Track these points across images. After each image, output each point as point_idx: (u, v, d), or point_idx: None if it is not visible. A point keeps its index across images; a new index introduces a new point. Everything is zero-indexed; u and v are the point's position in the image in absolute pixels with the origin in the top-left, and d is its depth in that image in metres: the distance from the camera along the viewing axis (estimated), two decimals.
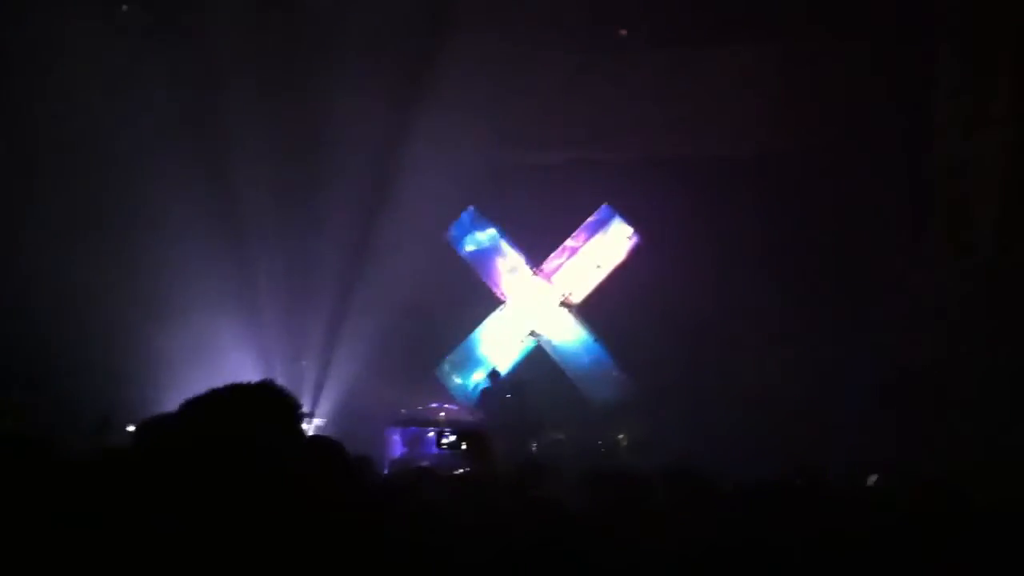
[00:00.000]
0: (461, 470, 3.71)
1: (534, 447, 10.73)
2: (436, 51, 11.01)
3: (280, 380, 1.91)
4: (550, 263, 13.16)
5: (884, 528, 3.10)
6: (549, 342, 13.08)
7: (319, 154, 11.62)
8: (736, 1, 11.08)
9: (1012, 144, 9.32)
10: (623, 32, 11.48)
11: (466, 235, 13.29)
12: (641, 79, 11.71)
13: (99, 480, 2.01)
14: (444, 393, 12.75)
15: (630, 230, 12.88)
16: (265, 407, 1.78)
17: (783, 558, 2.68)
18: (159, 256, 10.80)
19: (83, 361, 9.72)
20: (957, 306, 9.50)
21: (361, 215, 11.85)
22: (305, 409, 11.42)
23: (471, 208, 13.18)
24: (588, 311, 13.04)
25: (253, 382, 1.83)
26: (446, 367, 13.04)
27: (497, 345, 13.07)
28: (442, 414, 11.84)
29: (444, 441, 8.58)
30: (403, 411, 11.74)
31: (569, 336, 13.05)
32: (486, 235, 13.24)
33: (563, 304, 13.09)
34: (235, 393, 1.79)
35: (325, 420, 11.60)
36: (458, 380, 13.02)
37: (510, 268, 13.24)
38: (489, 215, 13.14)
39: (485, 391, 11.87)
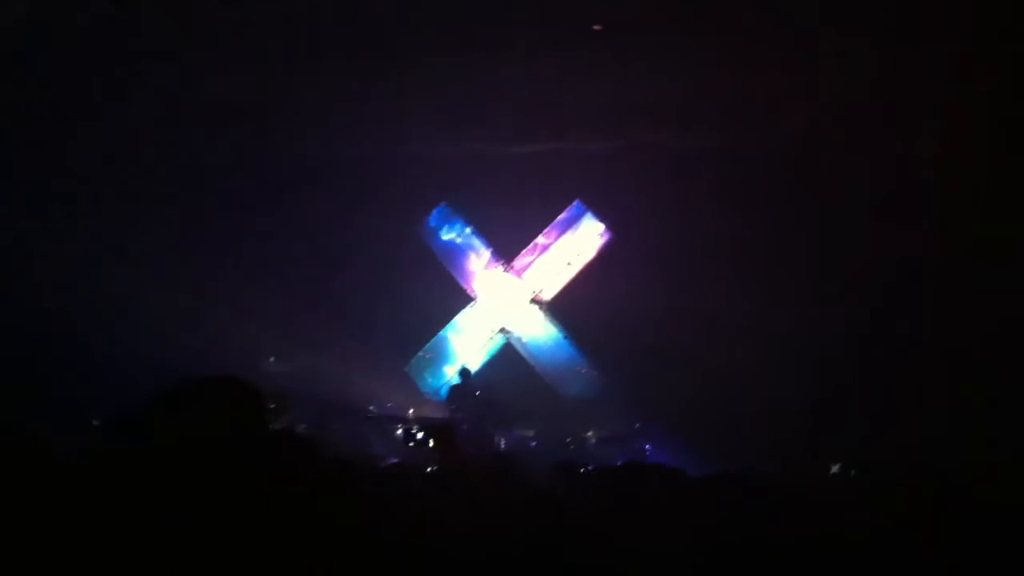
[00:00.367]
0: (430, 468, 3.69)
1: (503, 443, 10.73)
2: (408, 41, 10.94)
3: (248, 376, 1.88)
4: (521, 260, 13.15)
5: (879, 527, 3.10)
6: (519, 339, 13.08)
7: (290, 147, 11.53)
8: None
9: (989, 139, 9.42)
10: (597, 28, 11.45)
11: (437, 231, 13.24)
12: (616, 69, 11.68)
13: (91, 482, 1.94)
14: (414, 389, 12.71)
15: (601, 227, 12.91)
16: (232, 402, 1.76)
17: (765, 555, 2.68)
18: (127, 246, 10.66)
19: (42, 350, 9.55)
20: (934, 296, 9.59)
21: (331, 210, 11.79)
22: (273, 406, 11.38)
23: (442, 205, 13.14)
24: (559, 308, 13.06)
25: (218, 376, 1.80)
26: (416, 364, 12.99)
27: (467, 342, 13.05)
28: (410, 412, 11.81)
29: (412, 439, 8.55)
30: (372, 409, 11.69)
31: (539, 333, 13.05)
32: (457, 232, 13.21)
33: (534, 301, 13.09)
34: (201, 388, 1.76)
35: (294, 417, 11.51)
36: (428, 377, 12.97)
37: (481, 265, 13.22)
38: (460, 210, 13.10)
39: (455, 388, 11.86)
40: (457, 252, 13.24)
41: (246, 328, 11.32)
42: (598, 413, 12.02)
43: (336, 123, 11.38)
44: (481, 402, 11.27)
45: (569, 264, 13.00)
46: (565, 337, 12.88)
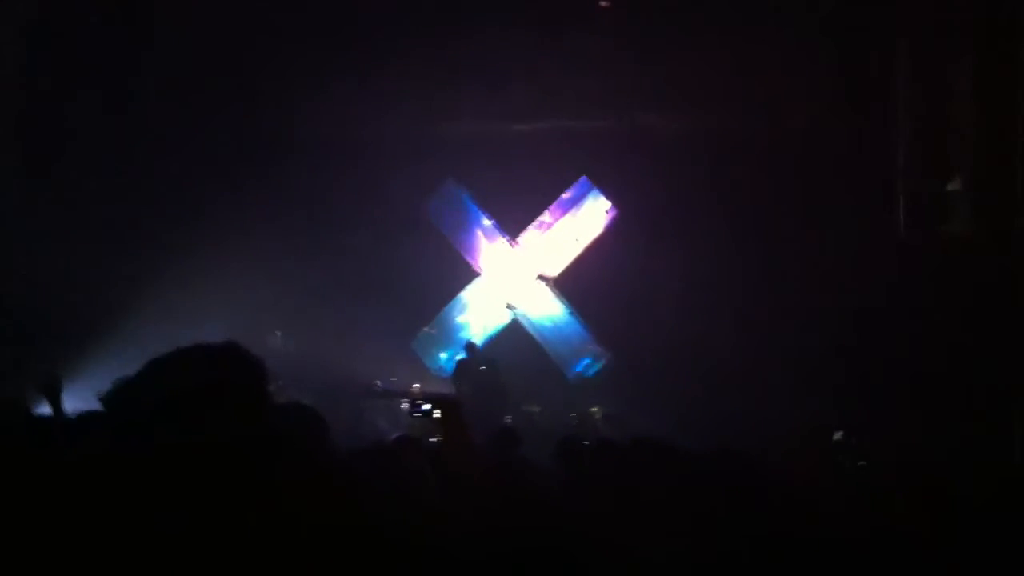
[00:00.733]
0: (435, 439, 3.70)
1: (508, 420, 10.75)
2: (414, 18, 10.89)
3: (253, 351, 1.85)
4: (527, 236, 13.13)
5: (879, 526, 3.10)
6: (525, 315, 13.09)
7: (293, 124, 11.50)
8: None
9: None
10: (604, 3, 11.37)
11: (443, 207, 13.22)
12: (621, 47, 11.61)
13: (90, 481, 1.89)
14: (419, 366, 12.74)
15: (608, 204, 12.88)
16: (232, 368, 1.73)
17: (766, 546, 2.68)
18: (125, 221, 10.64)
19: (36, 323, 9.56)
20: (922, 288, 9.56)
21: (337, 186, 11.76)
22: (275, 378, 11.42)
23: (448, 180, 13.10)
24: (565, 284, 13.05)
25: (218, 343, 1.77)
26: (422, 340, 13.01)
27: (473, 318, 13.06)
28: (415, 386, 11.83)
29: (418, 410, 8.53)
30: (377, 383, 11.71)
31: (545, 309, 13.06)
32: (463, 207, 13.18)
33: (540, 277, 13.08)
34: (201, 353, 1.73)
35: (298, 391, 11.54)
36: (434, 353, 13.00)
37: (487, 240, 13.20)
38: (466, 186, 13.07)
39: (460, 364, 11.88)
40: (463, 228, 13.22)
41: (250, 305, 11.34)
42: (603, 389, 12.04)
43: (341, 100, 11.32)
44: (486, 377, 11.29)
45: (576, 241, 12.98)
46: (571, 313, 12.89)
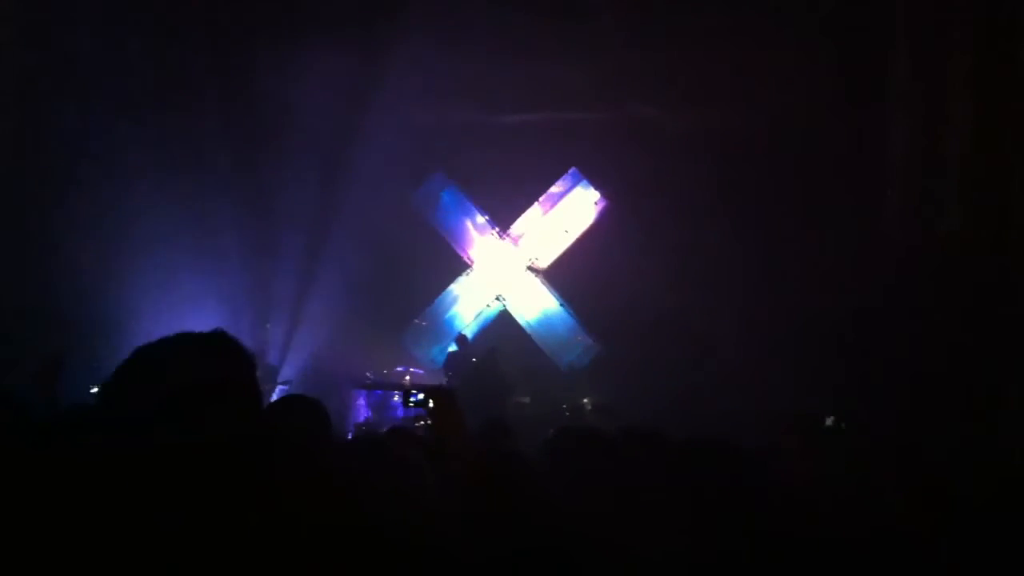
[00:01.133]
0: (427, 424, 3.71)
1: (499, 410, 10.77)
2: (401, 8, 10.85)
3: (244, 342, 1.84)
4: (517, 227, 13.14)
5: (879, 525, 3.11)
6: (516, 307, 13.11)
7: (281, 116, 11.46)
8: None
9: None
10: None
11: (433, 198, 13.21)
12: (614, 36, 11.60)
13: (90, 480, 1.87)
14: (410, 357, 12.75)
15: (597, 195, 12.91)
16: (220, 357, 1.71)
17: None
18: (118, 211, 10.60)
19: (35, 313, 9.52)
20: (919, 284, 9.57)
21: (327, 177, 11.74)
22: (268, 370, 11.39)
23: (438, 172, 13.10)
24: (555, 275, 13.08)
25: (206, 332, 1.75)
26: (412, 331, 13.02)
27: (463, 309, 13.08)
28: (407, 378, 11.86)
29: (411, 400, 8.55)
30: (368, 375, 11.73)
31: (536, 300, 13.08)
32: (453, 199, 13.18)
33: (530, 268, 13.10)
34: (188, 342, 1.72)
35: (290, 383, 11.56)
36: (424, 344, 13.01)
37: (477, 232, 13.21)
38: (456, 178, 13.06)
39: (451, 355, 11.90)
40: (453, 219, 13.23)
41: (240, 298, 11.33)
42: (594, 380, 12.08)
43: (331, 92, 11.29)
44: (477, 369, 11.31)
45: (566, 232, 13.01)
46: (561, 304, 12.92)
